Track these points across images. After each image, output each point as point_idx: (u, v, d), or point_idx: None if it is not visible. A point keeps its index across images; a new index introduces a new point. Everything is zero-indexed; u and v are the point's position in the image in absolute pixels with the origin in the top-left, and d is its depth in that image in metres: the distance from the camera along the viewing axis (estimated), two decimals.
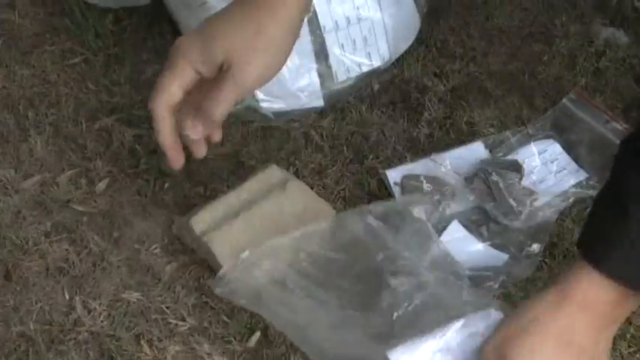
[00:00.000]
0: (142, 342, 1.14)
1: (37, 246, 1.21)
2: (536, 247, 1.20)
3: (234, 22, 1.05)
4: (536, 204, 1.22)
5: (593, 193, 1.23)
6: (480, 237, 1.21)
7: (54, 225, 1.23)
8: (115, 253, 1.21)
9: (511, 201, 1.21)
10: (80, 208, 1.25)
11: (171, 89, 1.06)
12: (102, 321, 1.15)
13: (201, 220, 1.18)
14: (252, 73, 1.05)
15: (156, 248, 1.21)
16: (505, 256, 1.20)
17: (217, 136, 1.14)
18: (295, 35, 1.08)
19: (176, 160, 1.11)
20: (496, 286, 1.16)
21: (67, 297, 1.17)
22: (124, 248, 1.21)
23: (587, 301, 0.91)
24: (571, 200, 1.24)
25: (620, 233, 0.89)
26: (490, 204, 1.22)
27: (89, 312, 1.16)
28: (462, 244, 1.20)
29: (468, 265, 1.17)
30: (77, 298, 1.17)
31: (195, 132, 1.08)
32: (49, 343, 1.14)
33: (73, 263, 1.20)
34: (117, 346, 1.14)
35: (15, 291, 1.18)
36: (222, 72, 1.05)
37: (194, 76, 1.07)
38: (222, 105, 1.05)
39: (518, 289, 1.17)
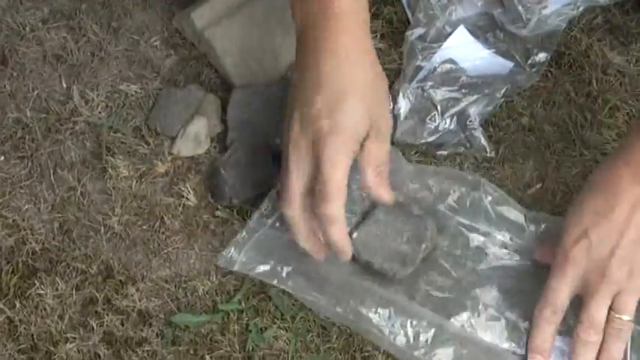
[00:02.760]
0: (141, 134, 1.14)
1: (34, 32, 1.19)
2: (542, 55, 1.18)
3: (352, 89, 0.97)
4: (545, 12, 1.19)
5: (603, 2, 1.20)
6: (486, 43, 1.19)
7: (52, 11, 1.20)
8: (114, 43, 1.19)
9: (520, 8, 1.18)
10: None
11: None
12: (99, 112, 1.15)
13: (202, 14, 1.15)
14: (387, 122, 1.00)
15: (155, 40, 1.19)
16: (510, 64, 1.18)
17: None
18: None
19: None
20: (499, 94, 1.15)
21: (65, 86, 1.16)
22: (123, 39, 1.19)
23: None
24: (580, 9, 1.20)
25: None
26: (498, 10, 1.19)
27: (86, 102, 1.15)
28: (467, 50, 1.18)
29: (472, 73, 1.15)
30: (74, 87, 1.16)
31: None
32: (46, 132, 1.14)
33: (71, 51, 1.18)
34: (114, 138, 1.14)
35: (11, 77, 1.17)
36: None
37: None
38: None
39: (521, 98, 1.16)
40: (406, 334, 1.03)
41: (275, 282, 1.05)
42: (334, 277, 1.06)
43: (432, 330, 1.03)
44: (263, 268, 1.06)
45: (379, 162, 0.98)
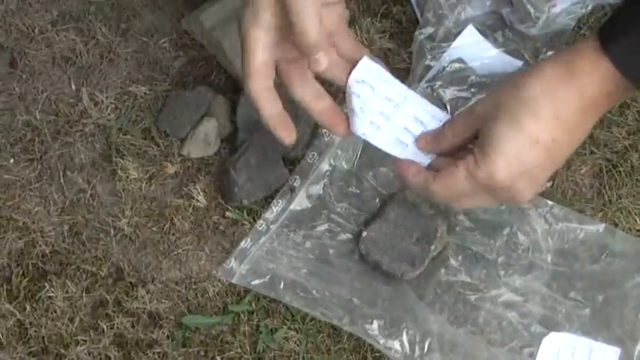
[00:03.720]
0: (150, 136, 1.14)
1: (44, 34, 1.19)
2: (551, 54, 1.17)
3: None
4: (554, 10, 1.19)
5: (612, 0, 1.19)
6: (495, 42, 1.19)
7: (61, 13, 1.20)
8: (123, 45, 1.19)
9: (528, 7, 1.17)
10: None
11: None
12: (109, 114, 1.15)
13: (211, 15, 1.15)
14: None
15: (164, 42, 1.19)
16: (519, 63, 1.17)
17: None
18: None
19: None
20: None
21: (74, 88, 1.16)
22: (132, 40, 1.19)
23: (585, 84, 0.87)
24: (589, 7, 1.20)
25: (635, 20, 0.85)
26: (507, 9, 1.19)
27: (96, 104, 1.15)
28: (476, 49, 1.18)
29: (481, 72, 1.15)
30: (84, 89, 1.16)
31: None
32: (55, 134, 1.14)
33: (80, 53, 1.18)
34: (124, 140, 1.14)
35: (21, 79, 1.17)
36: None
37: None
38: None
39: None
40: (402, 344, 1.03)
41: (272, 295, 1.06)
42: (340, 283, 1.07)
43: (428, 340, 1.04)
44: (260, 280, 1.07)
45: (329, 29, 0.90)
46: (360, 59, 0.91)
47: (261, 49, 0.88)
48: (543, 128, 0.86)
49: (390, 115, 0.92)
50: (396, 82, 0.93)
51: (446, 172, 0.89)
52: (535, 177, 0.87)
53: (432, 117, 0.93)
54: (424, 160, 0.92)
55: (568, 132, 0.87)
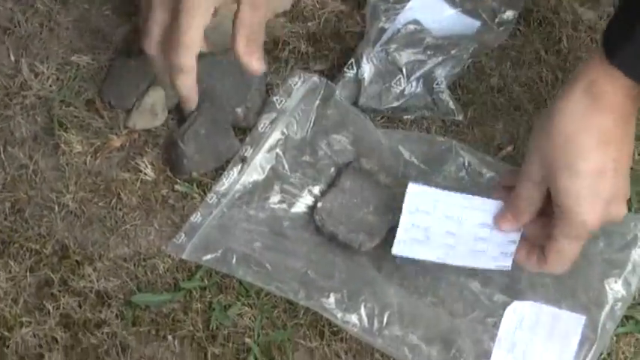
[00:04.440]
0: (94, 108, 1.11)
1: None
2: (510, 13, 1.16)
3: None
4: None
5: None
6: (451, 3, 1.16)
7: None
8: (64, 13, 1.15)
9: None
10: None
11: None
12: (50, 85, 1.11)
13: None
14: None
15: (107, 9, 1.15)
16: (477, 24, 1.15)
17: None
18: None
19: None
20: (466, 55, 1.12)
21: (13, 59, 1.12)
22: (73, 9, 1.15)
23: (612, 102, 0.89)
24: None
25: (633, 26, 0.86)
26: None
27: (36, 75, 1.12)
28: (432, 10, 1.15)
29: (438, 34, 1.13)
30: (23, 60, 1.12)
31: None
32: None
33: (19, 23, 1.14)
34: (67, 112, 1.10)
35: None
36: None
37: None
38: None
39: (489, 59, 1.14)
40: (360, 318, 1.01)
41: (225, 270, 1.03)
42: (295, 256, 1.04)
43: (387, 313, 1.01)
44: (212, 255, 1.03)
45: (252, 29, 0.97)
46: (406, 189, 0.96)
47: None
48: (598, 159, 0.89)
49: (457, 232, 0.97)
50: (449, 195, 0.97)
51: (549, 251, 0.94)
52: (619, 194, 0.91)
53: (494, 213, 0.97)
54: (509, 249, 0.98)
55: (618, 143, 0.90)
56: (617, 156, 0.90)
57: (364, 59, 1.11)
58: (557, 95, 0.92)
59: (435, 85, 1.11)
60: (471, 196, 0.97)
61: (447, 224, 0.97)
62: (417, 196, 0.97)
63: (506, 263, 0.98)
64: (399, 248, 0.99)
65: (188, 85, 1.00)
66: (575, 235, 0.92)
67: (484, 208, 0.97)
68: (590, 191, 0.89)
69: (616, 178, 0.90)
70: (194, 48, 0.96)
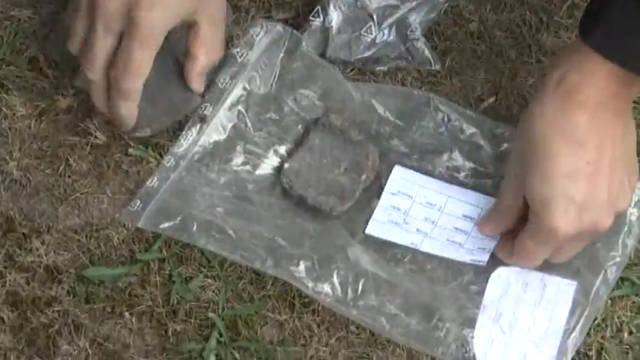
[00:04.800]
0: (38, 66, 1.06)
1: None
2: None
3: None
4: None
5: None
6: None
7: None
8: None
9: None
10: None
11: None
12: None
13: None
14: (221, 9, 0.99)
15: None
16: None
17: None
18: None
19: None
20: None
21: None
22: None
23: (585, 95, 0.86)
24: None
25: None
26: None
27: None
28: None
29: None
30: None
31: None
32: None
33: None
34: (8, 72, 1.06)
35: None
36: None
37: None
38: None
39: (468, 2, 1.11)
40: (332, 287, 0.97)
41: (185, 239, 0.98)
42: (261, 221, 0.99)
43: (362, 281, 0.97)
44: (170, 223, 0.98)
45: (213, 54, 0.98)
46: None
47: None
48: (569, 162, 0.87)
49: (436, 219, 0.98)
50: (434, 182, 0.98)
51: (516, 250, 0.94)
52: (598, 201, 0.89)
53: (479, 208, 0.98)
54: (488, 245, 0.97)
55: (595, 145, 0.87)
56: (594, 158, 0.87)
57: (331, 6, 1.07)
58: (533, 95, 0.91)
59: (409, 33, 1.07)
60: (458, 187, 0.98)
61: (427, 211, 0.98)
62: (402, 179, 0.98)
63: (483, 258, 0.97)
64: (374, 228, 0.99)
65: (131, 112, 0.97)
66: (544, 242, 0.91)
67: (470, 201, 0.98)
68: (562, 197, 0.87)
69: (593, 183, 0.88)
70: (144, 74, 0.94)
